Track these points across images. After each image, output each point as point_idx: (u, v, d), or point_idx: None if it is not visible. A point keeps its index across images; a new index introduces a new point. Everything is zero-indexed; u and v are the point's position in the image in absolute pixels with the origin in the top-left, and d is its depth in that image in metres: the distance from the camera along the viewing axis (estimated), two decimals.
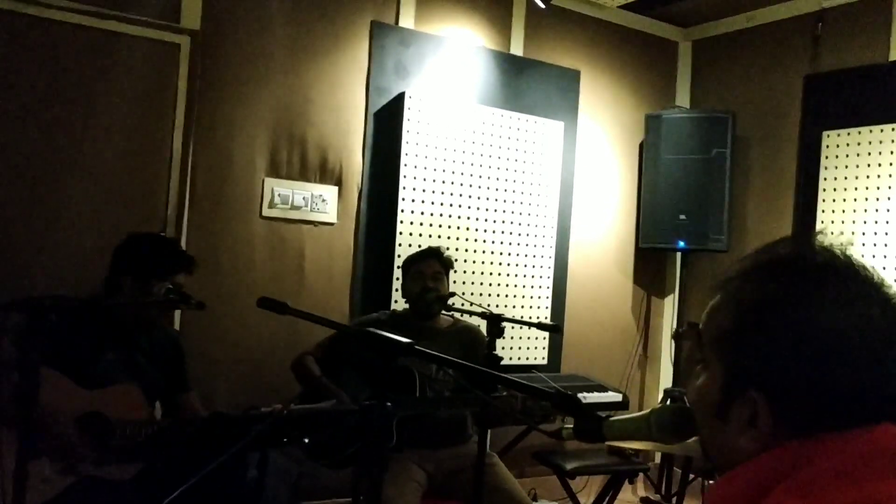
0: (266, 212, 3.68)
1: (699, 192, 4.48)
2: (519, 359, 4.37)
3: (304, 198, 3.76)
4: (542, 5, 4.01)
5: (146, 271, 2.53)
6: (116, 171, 3.34)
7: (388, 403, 1.33)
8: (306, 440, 2.40)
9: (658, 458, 4.69)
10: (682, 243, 4.53)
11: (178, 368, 2.76)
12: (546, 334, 4.42)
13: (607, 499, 3.85)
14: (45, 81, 3.20)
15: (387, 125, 3.97)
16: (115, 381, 2.45)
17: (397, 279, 3.80)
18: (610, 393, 4.11)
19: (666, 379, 4.89)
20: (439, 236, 4.05)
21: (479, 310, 2.86)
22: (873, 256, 3.96)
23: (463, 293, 4.00)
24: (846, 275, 0.86)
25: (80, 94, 3.27)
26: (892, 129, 3.95)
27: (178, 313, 3.44)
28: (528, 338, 4.39)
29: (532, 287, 4.42)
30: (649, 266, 4.99)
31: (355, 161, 3.91)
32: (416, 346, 1.39)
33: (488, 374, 1.39)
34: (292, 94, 3.75)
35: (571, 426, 1.20)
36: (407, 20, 4.05)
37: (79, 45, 3.26)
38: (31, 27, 3.17)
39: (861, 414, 0.81)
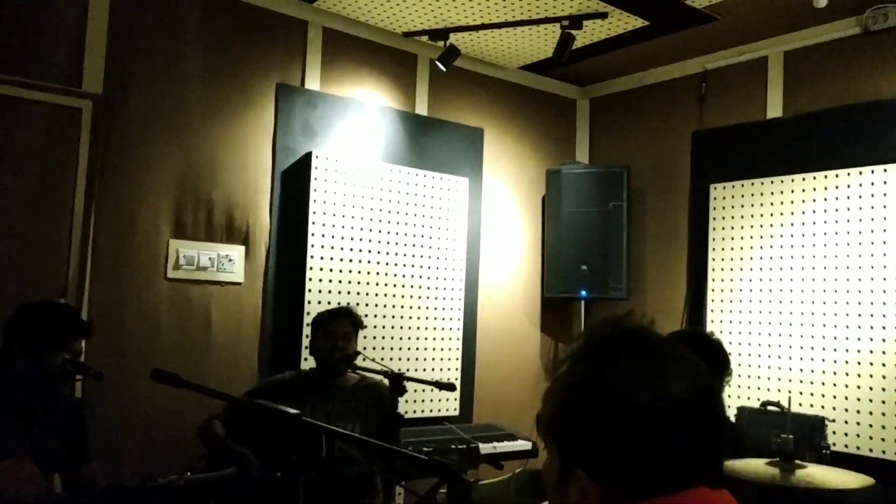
0: (171, 273, 3.67)
1: (599, 243, 4.69)
2: (431, 411, 4.43)
3: (210, 258, 3.76)
4: (444, 68, 4.17)
5: (40, 342, 2.49)
6: (16, 237, 3.29)
7: (293, 465, 1.37)
8: None
9: None
10: (584, 292, 4.72)
11: (78, 438, 2.70)
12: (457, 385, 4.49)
13: None
14: None
15: (294, 184, 4.02)
16: (9, 454, 2.39)
17: (307, 337, 3.81)
18: (520, 441, 4.19)
19: None
20: (349, 293, 4.10)
21: (381, 368, 2.92)
22: (760, 301, 4.20)
23: (374, 348, 4.06)
24: (654, 355, 0.96)
25: None
26: (772, 182, 4.23)
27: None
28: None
29: (443, 339, 4.50)
30: (555, 315, 5.15)
31: (262, 220, 3.95)
32: (303, 418, 1.44)
33: (373, 444, 1.45)
34: (197, 154, 3.78)
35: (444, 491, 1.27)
36: (313, 82, 4.15)
37: None
38: None
39: (678, 481, 0.90)
